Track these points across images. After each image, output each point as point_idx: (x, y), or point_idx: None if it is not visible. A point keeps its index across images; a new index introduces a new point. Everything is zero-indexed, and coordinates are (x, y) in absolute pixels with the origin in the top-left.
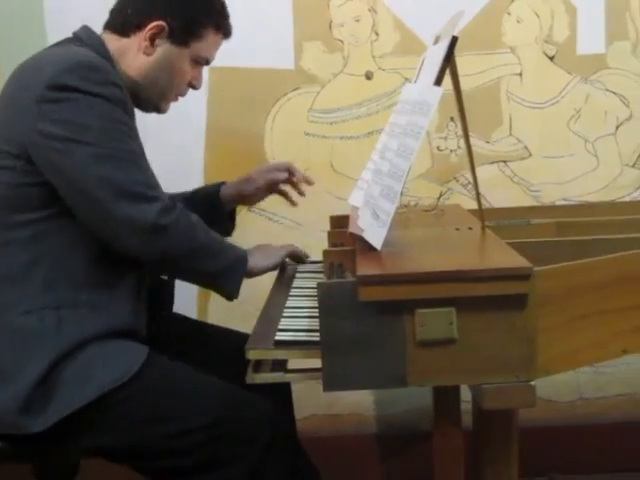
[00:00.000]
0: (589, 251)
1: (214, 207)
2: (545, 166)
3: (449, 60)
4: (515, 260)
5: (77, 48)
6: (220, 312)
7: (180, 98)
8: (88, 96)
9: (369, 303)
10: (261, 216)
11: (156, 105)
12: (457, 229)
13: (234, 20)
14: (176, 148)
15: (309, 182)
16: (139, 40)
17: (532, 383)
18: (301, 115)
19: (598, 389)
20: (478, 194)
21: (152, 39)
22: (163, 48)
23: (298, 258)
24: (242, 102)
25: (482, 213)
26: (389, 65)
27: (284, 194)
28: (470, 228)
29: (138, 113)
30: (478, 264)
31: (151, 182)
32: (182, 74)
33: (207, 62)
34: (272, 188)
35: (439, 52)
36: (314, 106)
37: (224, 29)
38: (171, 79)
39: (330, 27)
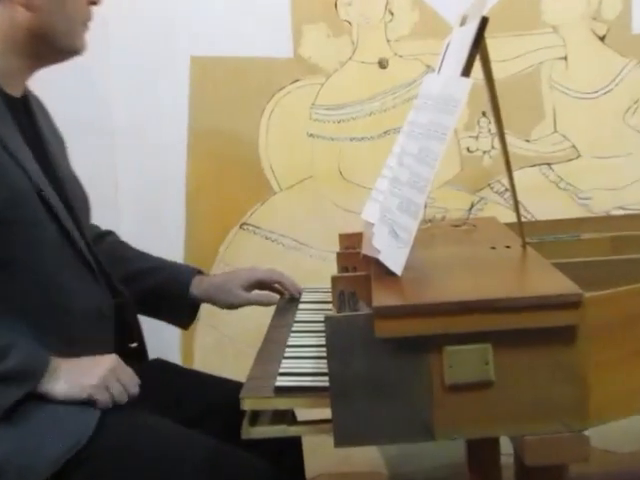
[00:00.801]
0: None
1: (177, 295)
2: (597, 168)
3: (478, 45)
4: (562, 285)
5: None
6: (208, 354)
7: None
8: None
9: (387, 340)
10: (256, 234)
11: (69, 49)
12: (492, 248)
13: (220, 1)
14: (152, 154)
15: (299, 294)
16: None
17: (585, 433)
18: (302, 113)
19: None
20: (517, 204)
21: None
22: None
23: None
24: (231, 98)
25: (522, 227)
26: (407, 50)
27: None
28: (508, 246)
29: (99, 112)
30: (518, 291)
31: None
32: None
33: None
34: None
35: (466, 36)
36: (317, 101)
37: None
38: (67, 12)
39: (335, 6)
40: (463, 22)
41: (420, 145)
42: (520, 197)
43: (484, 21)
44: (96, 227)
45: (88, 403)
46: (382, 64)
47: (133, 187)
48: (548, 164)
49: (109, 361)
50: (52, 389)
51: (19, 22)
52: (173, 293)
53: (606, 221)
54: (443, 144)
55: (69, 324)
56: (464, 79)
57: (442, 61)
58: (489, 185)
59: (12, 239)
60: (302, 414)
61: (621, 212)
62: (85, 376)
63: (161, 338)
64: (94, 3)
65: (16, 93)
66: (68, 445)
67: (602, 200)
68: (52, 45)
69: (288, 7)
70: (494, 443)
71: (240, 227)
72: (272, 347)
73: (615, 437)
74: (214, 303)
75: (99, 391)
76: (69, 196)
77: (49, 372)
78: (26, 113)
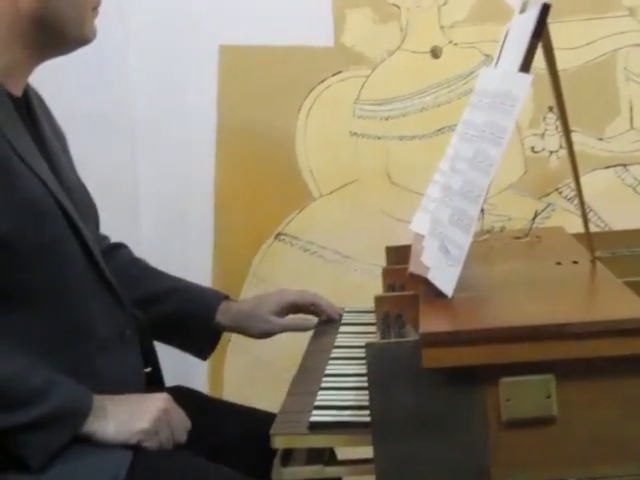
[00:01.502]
0: None
1: (201, 321)
2: None
3: (539, 36)
4: (636, 308)
5: None
6: (239, 380)
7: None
8: None
9: (436, 370)
10: (293, 246)
11: (78, 37)
12: (558, 263)
13: None
14: (176, 155)
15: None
16: None
17: None
18: (345, 108)
19: None
20: (584, 213)
21: None
22: None
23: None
24: (264, 92)
25: (591, 240)
26: (463, 38)
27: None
28: (575, 262)
29: (118, 107)
30: (585, 315)
31: None
32: None
33: None
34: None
35: (526, 25)
36: (362, 96)
37: None
38: None
39: None
40: (523, 8)
41: (475, 149)
42: (592, 203)
43: (545, 8)
44: (104, 238)
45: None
46: (435, 53)
47: (155, 191)
48: (624, 165)
49: (161, 402)
50: (99, 431)
51: (23, 9)
52: (197, 319)
53: None
54: (500, 148)
55: (92, 354)
56: (523, 75)
57: (500, 52)
58: (557, 190)
59: (31, 263)
60: (343, 451)
61: None
62: (135, 419)
63: (186, 362)
64: None
65: (17, 92)
66: None
67: None
68: (59, 34)
69: None
70: None
71: (275, 237)
72: (308, 376)
73: None
74: (244, 332)
75: (149, 437)
76: (79, 206)
77: (94, 411)
78: (28, 114)
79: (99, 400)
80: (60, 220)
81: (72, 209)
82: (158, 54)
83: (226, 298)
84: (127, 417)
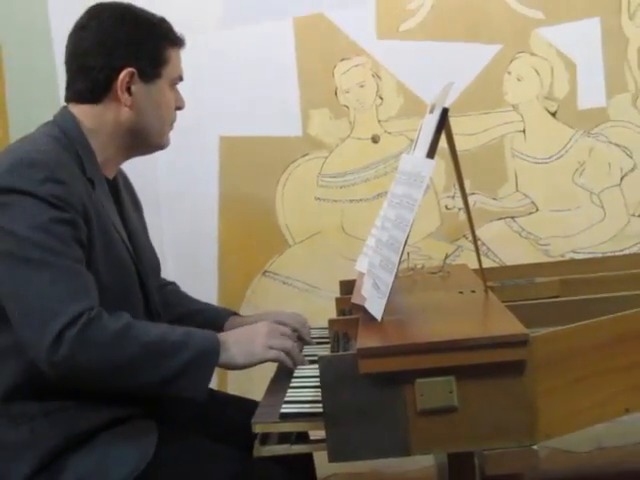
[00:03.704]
0: (593, 310)
1: None
2: (552, 220)
3: (441, 131)
4: (512, 326)
5: (30, 143)
6: (239, 378)
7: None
8: (20, 195)
9: (370, 375)
10: (275, 280)
11: (157, 145)
12: (460, 292)
13: (242, 91)
14: (190, 216)
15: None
16: (115, 98)
17: (534, 447)
18: (311, 180)
19: (617, 438)
20: (479, 255)
21: (128, 89)
22: (141, 92)
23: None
24: (253, 170)
25: (483, 275)
26: (394, 128)
27: None
28: (473, 291)
29: (147, 183)
30: (476, 332)
31: (63, 293)
32: (168, 105)
33: (181, 79)
34: None
35: (432, 123)
36: (323, 171)
37: (178, 40)
38: (161, 115)
39: (336, 94)
40: (432, 110)
41: (396, 213)
42: (490, 245)
43: (444, 112)
44: (162, 279)
45: (148, 431)
46: (375, 140)
47: (175, 244)
48: (512, 217)
49: (264, 327)
50: (230, 360)
51: (122, 121)
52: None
53: (558, 266)
54: (413, 213)
55: None
56: (429, 160)
57: (416, 141)
58: (464, 236)
59: (111, 304)
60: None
61: (574, 256)
62: (253, 342)
63: None
64: (180, 108)
65: (110, 176)
66: (130, 468)
67: (558, 245)
68: (145, 141)
69: (297, 96)
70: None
71: (263, 274)
72: (282, 377)
73: (574, 439)
74: None
75: (266, 353)
76: (145, 264)
77: (222, 346)
78: (116, 192)
79: (222, 336)
80: (134, 276)
81: (142, 268)
82: (176, 145)
83: (235, 314)
84: (245, 344)
